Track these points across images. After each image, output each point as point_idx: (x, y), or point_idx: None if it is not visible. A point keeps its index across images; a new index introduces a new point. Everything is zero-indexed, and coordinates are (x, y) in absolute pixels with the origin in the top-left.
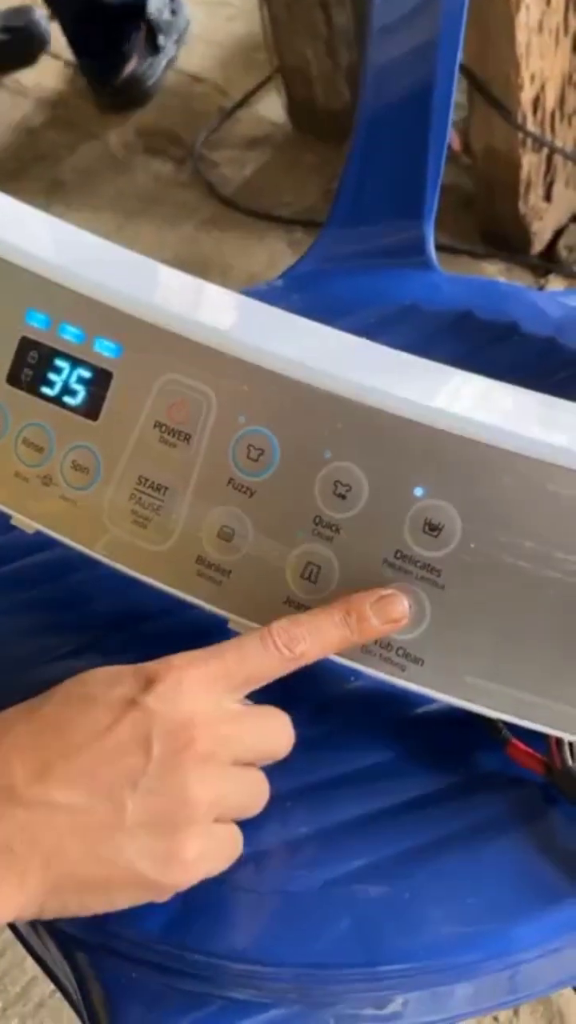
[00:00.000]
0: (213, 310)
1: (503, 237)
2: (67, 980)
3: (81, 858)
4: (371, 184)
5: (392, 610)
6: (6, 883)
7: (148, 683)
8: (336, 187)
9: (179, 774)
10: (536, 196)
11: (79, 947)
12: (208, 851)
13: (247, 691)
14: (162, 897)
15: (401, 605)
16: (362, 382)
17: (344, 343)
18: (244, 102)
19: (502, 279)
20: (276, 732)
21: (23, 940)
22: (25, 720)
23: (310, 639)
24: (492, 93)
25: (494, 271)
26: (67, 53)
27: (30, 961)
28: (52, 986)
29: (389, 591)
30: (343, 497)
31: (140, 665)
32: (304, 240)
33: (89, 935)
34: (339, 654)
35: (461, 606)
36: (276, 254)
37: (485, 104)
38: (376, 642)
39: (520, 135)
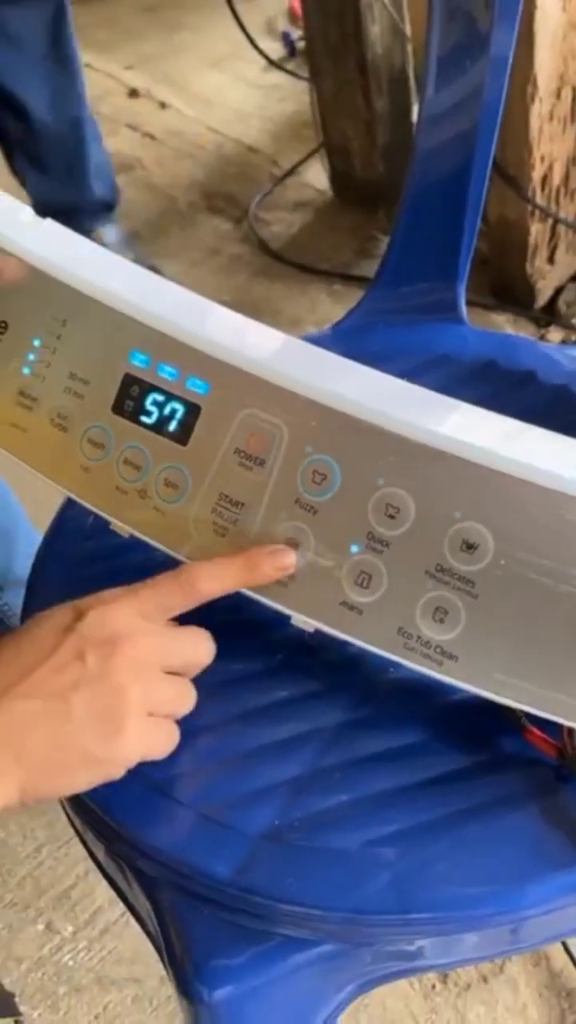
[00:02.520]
0: (286, 356)
1: (511, 293)
2: (147, 915)
3: (44, 749)
4: (413, 250)
5: (282, 559)
6: None
7: (79, 614)
8: (369, 247)
9: (111, 675)
10: (541, 259)
11: (161, 887)
12: (145, 734)
13: (163, 617)
14: (114, 772)
15: (289, 557)
16: (411, 421)
17: (396, 387)
18: (292, 171)
19: (509, 329)
20: (193, 643)
21: (108, 877)
22: None
23: (211, 580)
24: (507, 171)
25: (502, 321)
26: (144, 126)
27: (98, 891)
28: (116, 914)
29: (280, 546)
30: (392, 517)
31: (74, 601)
32: (341, 291)
33: (170, 877)
34: (383, 648)
35: (492, 613)
36: (317, 302)
37: (500, 180)
38: (417, 640)
39: (529, 207)
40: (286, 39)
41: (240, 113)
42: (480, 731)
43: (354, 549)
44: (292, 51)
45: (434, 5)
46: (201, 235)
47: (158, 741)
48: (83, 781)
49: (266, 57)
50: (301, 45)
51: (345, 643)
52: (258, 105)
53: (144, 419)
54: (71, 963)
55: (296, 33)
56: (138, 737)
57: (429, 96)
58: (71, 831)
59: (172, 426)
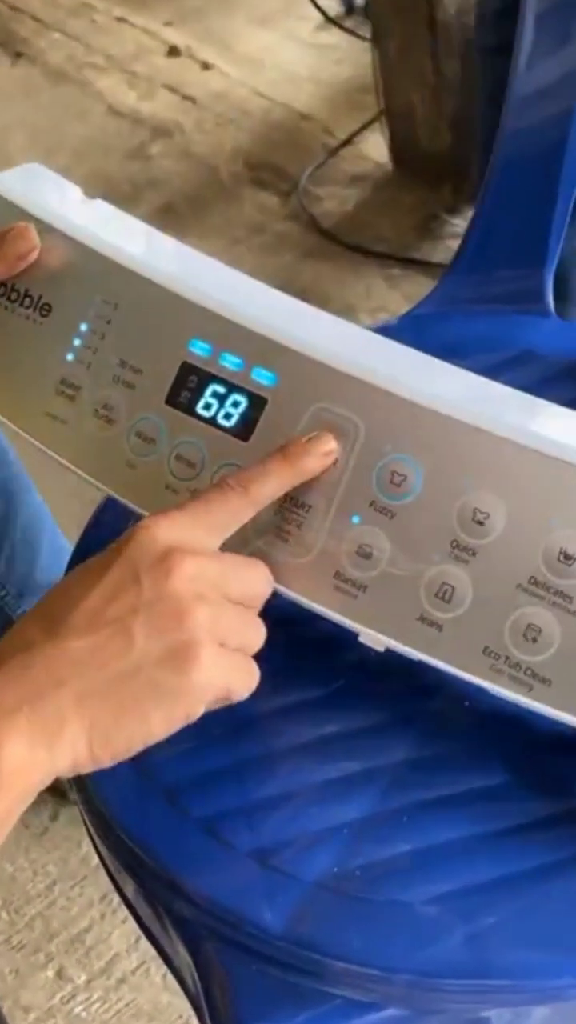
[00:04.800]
0: (363, 346)
1: None
2: (185, 966)
3: (107, 686)
4: (498, 234)
5: (323, 444)
6: (48, 731)
7: (127, 539)
8: (432, 227)
9: (172, 596)
10: None
11: (203, 936)
12: (221, 663)
13: (218, 536)
14: (192, 709)
15: (329, 442)
16: (507, 420)
17: (484, 384)
18: (348, 141)
19: None
20: (252, 567)
21: (140, 921)
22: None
23: (261, 479)
24: None
25: None
26: (184, 88)
27: (115, 936)
28: (134, 963)
29: (315, 432)
30: (481, 524)
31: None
32: (399, 276)
33: (215, 925)
34: (465, 670)
35: None
36: (372, 288)
37: None
38: (505, 661)
39: None
40: None
41: (291, 76)
42: (570, 773)
43: (435, 558)
44: (350, 8)
45: None
46: (245, 210)
47: (237, 674)
48: (159, 722)
49: (323, 13)
50: (360, 1)
51: (415, 669)
52: (311, 67)
53: (202, 412)
54: (84, 1015)
55: None
56: (213, 664)
57: (522, 61)
58: (85, 868)
59: (233, 420)
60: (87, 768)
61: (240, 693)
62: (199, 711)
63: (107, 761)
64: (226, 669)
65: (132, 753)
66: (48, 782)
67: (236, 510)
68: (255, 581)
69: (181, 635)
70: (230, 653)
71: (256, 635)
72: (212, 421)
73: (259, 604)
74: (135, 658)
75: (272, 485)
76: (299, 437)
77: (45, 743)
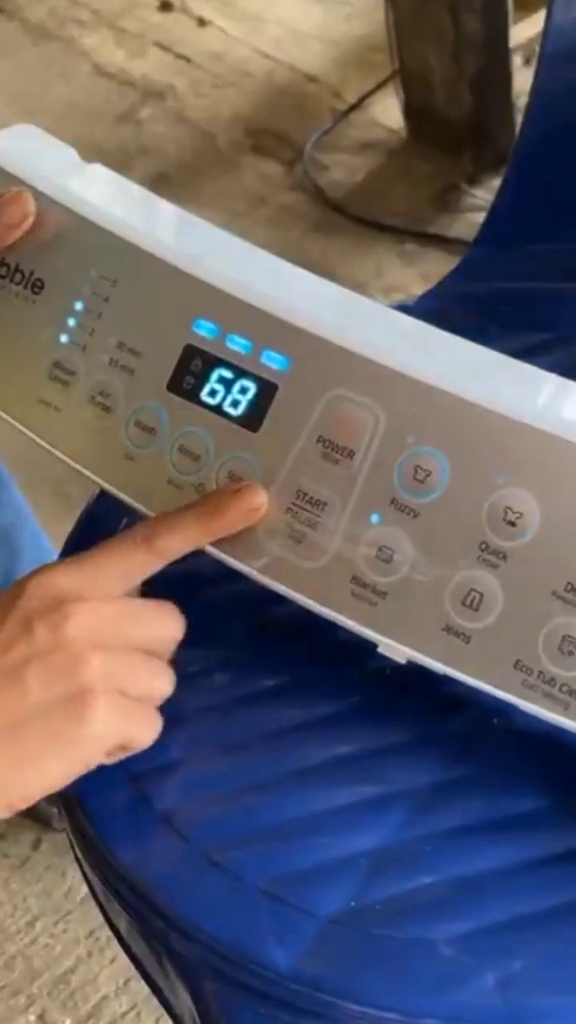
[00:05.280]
0: (384, 327)
1: None
2: (186, 1012)
3: (7, 735)
4: (531, 203)
5: (250, 499)
6: None
7: (20, 587)
8: (450, 198)
9: (66, 644)
10: None
11: (206, 977)
12: (117, 711)
13: (121, 585)
14: (90, 757)
15: (259, 495)
16: (544, 410)
17: (520, 369)
18: (359, 104)
19: None
20: (156, 613)
21: (136, 962)
22: None
23: (168, 535)
24: None
25: None
26: (178, 46)
27: (103, 978)
28: (124, 1006)
29: (247, 482)
30: (513, 524)
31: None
32: (414, 251)
33: (219, 964)
34: (495, 685)
35: None
36: (384, 264)
37: None
38: (539, 676)
39: None
40: None
41: (296, 33)
42: None
43: (463, 562)
44: None
45: None
46: (245, 180)
47: (135, 723)
48: (56, 770)
49: None
50: None
51: (439, 682)
52: (318, 24)
53: (207, 399)
54: None
55: None
56: (109, 713)
57: (560, 11)
58: (70, 903)
59: (241, 408)
60: None
61: (141, 742)
62: (98, 759)
63: (3, 811)
64: (124, 718)
65: (31, 802)
66: None
67: (140, 564)
68: (161, 626)
69: (76, 683)
70: (129, 702)
71: (161, 683)
72: (218, 409)
73: (168, 649)
74: (30, 707)
75: (180, 542)
76: (224, 489)
77: None
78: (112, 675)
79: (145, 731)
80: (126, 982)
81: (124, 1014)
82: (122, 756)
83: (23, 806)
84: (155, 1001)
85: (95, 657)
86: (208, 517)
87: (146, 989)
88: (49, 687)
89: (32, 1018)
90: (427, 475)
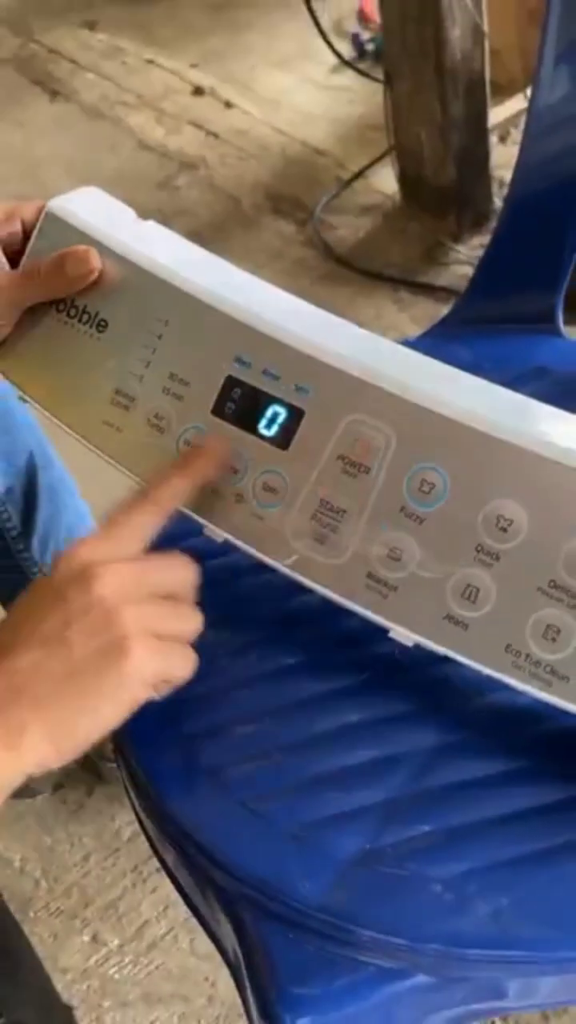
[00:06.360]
0: (395, 361)
1: None
2: (227, 937)
3: (57, 689)
4: (512, 258)
5: (211, 445)
6: (11, 736)
7: (53, 567)
8: (437, 254)
9: (98, 602)
10: None
11: (244, 907)
12: (154, 651)
13: (135, 544)
14: (136, 695)
15: (219, 441)
16: (530, 432)
17: (510, 397)
18: (360, 174)
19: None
20: (173, 566)
21: (182, 891)
22: None
23: (162, 488)
24: None
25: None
26: (208, 124)
27: (145, 904)
28: (163, 929)
29: (208, 438)
30: (504, 530)
31: None
32: (407, 299)
33: (255, 897)
34: (489, 666)
35: None
36: (382, 309)
37: None
38: (526, 658)
39: None
40: (355, 40)
41: (306, 114)
42: None
43: (462, 561)
44: (361, 53)
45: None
46: (265, 237)
47: (171, 660)
48: (109, 713)
49: (339, 56)
50: (370, 47)
51: (437, 662)
52: (325, 107)
53: (245, 422)
54: (117, 976)
55: (366, 35)
56: (146, 654)
57: (542, 98)
58: (118, 841)
59: (274, 430)
60: (54, 763)
61: (180, 676)
62: (144, 695)
63: (71, 754)
64: (160, 656)
65: (92, 742)
66: (18, 780)
67: (146, 521)
68: (175, 573)
69: (113, 634)
70: (163, 642)
71: (189, 622)
72: (254, 430)
73: (189, 593)
74: (76, 662)
75: (170, 491)
76: (193, 447)
77: (9, 746)
78: (142, 621)
79: (181, 665)
80: (165, 908)
81: (163, 936)
82: (167, 690)
83: (87, 746)
84: (191, 924)
85: (125, 609)
86: (184, 467)
87: (183, 914)
88: (90, 642)
89: (86, 938)
90: (431, 488)
